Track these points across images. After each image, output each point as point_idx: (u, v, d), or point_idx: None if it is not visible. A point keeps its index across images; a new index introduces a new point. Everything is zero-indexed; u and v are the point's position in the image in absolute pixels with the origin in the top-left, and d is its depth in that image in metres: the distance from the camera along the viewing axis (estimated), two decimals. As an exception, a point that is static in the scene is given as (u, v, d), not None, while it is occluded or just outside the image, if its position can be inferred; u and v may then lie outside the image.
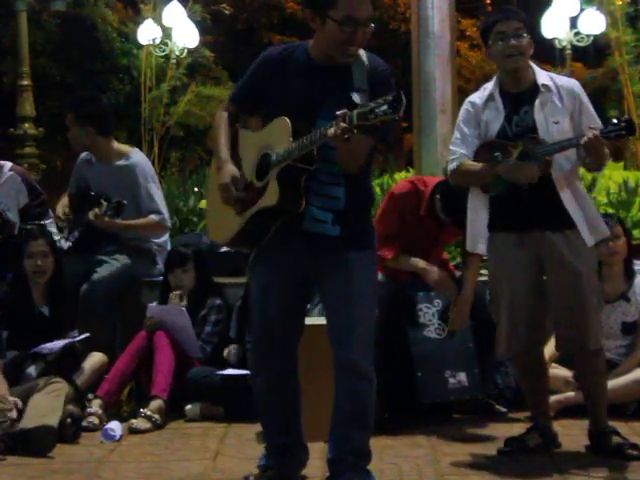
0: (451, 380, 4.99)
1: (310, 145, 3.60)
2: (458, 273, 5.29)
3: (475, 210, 4.44)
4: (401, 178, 7.45)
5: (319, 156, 3.67)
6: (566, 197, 4.24)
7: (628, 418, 4.90)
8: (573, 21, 11.04)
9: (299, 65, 3.78)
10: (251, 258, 3.98)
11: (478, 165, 4.29)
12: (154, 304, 5.58)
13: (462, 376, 5.00)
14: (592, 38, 11.05)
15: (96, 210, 5.59)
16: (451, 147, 4.43)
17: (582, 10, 10.99)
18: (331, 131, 3.46)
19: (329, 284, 3.81)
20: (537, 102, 4.25)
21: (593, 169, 4.45)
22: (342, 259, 3.75)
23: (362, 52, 3.72)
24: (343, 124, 3.41)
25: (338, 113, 3.44)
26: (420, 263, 5.10)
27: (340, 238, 3.73)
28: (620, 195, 6.62)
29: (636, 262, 5.36)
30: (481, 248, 4.46)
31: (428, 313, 5.05)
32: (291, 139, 3.64)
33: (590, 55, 12.93)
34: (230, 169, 3.81)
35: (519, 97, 4.30)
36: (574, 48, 11.27)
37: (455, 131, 4.44)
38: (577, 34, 11.08)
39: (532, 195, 4.22)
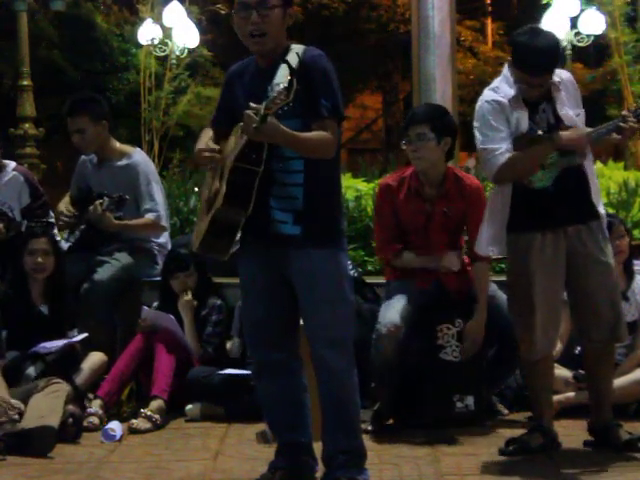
0: (458, 404, 4.96)
1: (239, 145, 3.72)
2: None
3: (494, 211, 4.42)
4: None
5: (275, 156, 3.77)
6: (593, 187, 4.34)
7: (629, 418, 4.90)
8: (573, 21, 11.06)
9: (250, 74, 3.93)
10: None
11: (531, 150, 4.24)
12: (147, 308, 5.56)
13: (470, 400, 4.96)
14: (592, 38, 11.06)
15: (97, 203, 5.58)
16: (490, 145, 4.28)
17: (582, 10, 11.00)
18: (244, 126, 3.62)
19: (295, 282, 3.87)
20: (558, 100, 4.30)
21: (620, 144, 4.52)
22: (305, 257, 3.81)
23: (297, 47, 3.83)
24: (253, 116, 3.55)
25: (251, 106, 3.60)
26: (420, 259, 4.99)
27: (301, 237, 3.80)
28: (620, 195, 6.62)
29: (636, 262, 5.37)
30: (492, 250, 4.47)
31: (447, 334, 4.95)
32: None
33: (590, 55, 12.94)
34: (203, 141, 3.91)
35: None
36: (574, 48, 11.28)
37: (485, 130, 4.31)
38: (577, 34, 11.09)
39: (560, 189, 4.27)
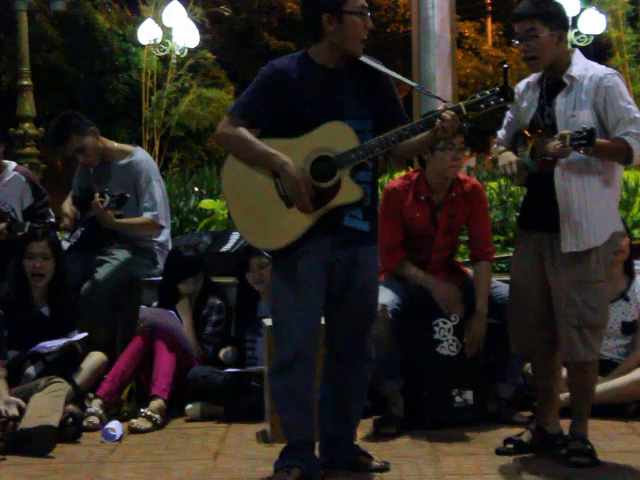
0: (457, 399, 4.95)
1: (398, 141, 3.90)
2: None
3: None
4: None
5: None
6: (562, 196, 4.15)
7: (629, 418, 4.90)
8: (573, 21, 11.07)
9: (308, 73, 3.96)
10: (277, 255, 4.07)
11: (499, 153, 4.35)
12: (145, 307, 5.55)
13: (469, 395, 4.96)
14: (592, 38, 11.07)
15: (97, 200, 5.56)
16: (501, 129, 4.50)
17: (582, 10, 11.01)
18: (444, 124, 3.82)
19: (357, 276, 4.05)
20: (559, 95, 4.21)
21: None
22: (369, 253, 4.08)
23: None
24: (453, 114, 3.83)
25: (444, 108, 3.86)
26: (423, 276, 4.99)
27: (369, 233, 4.05)
28: (620, 195, 6.61)
29: (636, 262, 5.37)
30: None
31: (444, 328, 4.96)
32: (357, 139, 3.90)
33: (590, 55, 12.96)
34: (295, 166, 3.92)
35: (553, 88, 4.25)
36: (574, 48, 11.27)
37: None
38: (577, 34, 11.10)
39: (536, 193, 4.26)
